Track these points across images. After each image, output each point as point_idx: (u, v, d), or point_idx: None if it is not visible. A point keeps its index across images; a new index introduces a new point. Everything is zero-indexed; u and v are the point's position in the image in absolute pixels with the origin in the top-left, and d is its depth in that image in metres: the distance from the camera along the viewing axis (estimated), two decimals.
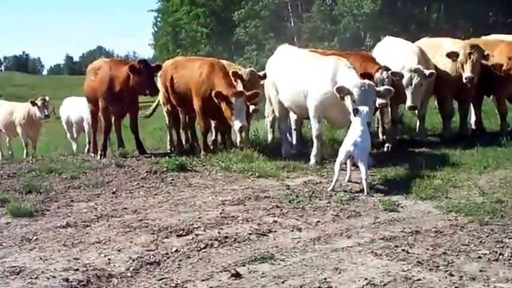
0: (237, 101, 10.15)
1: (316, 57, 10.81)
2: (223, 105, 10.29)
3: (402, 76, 10.64)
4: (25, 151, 15.77)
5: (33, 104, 15.07)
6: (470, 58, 11.13)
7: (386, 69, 10.51)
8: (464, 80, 11.16)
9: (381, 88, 9.57)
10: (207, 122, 11.30)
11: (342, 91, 9.14)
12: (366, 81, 9.34)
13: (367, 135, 8.59)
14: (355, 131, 8.46)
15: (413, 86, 10.67)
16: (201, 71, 10.98)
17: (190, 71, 11.23)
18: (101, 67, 11.82)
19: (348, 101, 9.18)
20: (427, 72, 10.73)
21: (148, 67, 10.97)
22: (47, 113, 15.16)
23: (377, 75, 10.41)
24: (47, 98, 15.46)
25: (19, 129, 15.81)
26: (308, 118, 10.48)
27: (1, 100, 17.96)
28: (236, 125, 10.20)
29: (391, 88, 9.74)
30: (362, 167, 8.25)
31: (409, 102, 10.80)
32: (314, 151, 10.19)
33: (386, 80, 10.37)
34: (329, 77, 9.67)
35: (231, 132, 11.74)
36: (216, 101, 10.32)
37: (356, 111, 8.61)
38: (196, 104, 10.99)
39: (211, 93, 10.45)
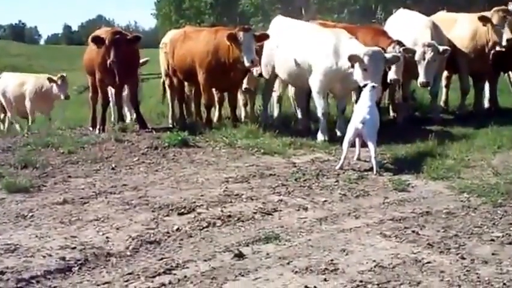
0: (245, 36, 10.17)
1: (315, 30, 10.94)
2: (232, 47, 10.33)
3: (414, 52, 10.58)
4: (26, 127, 14.94)
5: (51, 81, 14.39)
6: (506, 20, 11.00)
7: (399, 43, 10.46)
8: (504, 43, 11.02)
9: (389, 55, 9.70)
10: (210, 95, 11.29)
11: (353, 59, 9.28)
12: (375, 48, 9.54)
13: (376, 111, 8.55)
14: (363, 108, 8.42)
15: (426, 61, 10.60)
16: (206, 40, 10.96)
17: (195, 42, 11.20)
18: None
19: (357, 69, 9.32)
20: (441, 48, 10.65)
21: (117, 39, 10.81)
22: (68, 94, 14.41)
23: (389, 49, 10.35)
24: (65, 74, 14.84)
25: (28, 104, 15.10)
26: (308, 90, 10.71)
27: (6, 73, 17.09)
28: (246, 60, 10.13)
29: (398, 55, 9.94)
30: (371, 145, 8.22)
31: (421, 78, 10.74)
32: (321, 128, 10.24)
33: (399, 54, 10.31)
34: (331, 50, 9.84)
35: (236, 107, 11.70)
36: (227, 44, 10.36)
37: (364, 85, 8.62)
38: (201, 76, 10.95)
39: (217, 62, 10.57)
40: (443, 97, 13.04)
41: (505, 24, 11.04)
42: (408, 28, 11.35)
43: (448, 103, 13.13)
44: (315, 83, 10.20)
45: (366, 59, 9.21)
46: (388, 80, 10.49)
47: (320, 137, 10.18)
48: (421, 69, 10.69)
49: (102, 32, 11.81)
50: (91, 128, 11.91)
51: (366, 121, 8.24)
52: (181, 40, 11.58)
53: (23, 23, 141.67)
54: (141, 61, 12.37)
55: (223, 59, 10.58)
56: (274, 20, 12.05)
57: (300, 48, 10.48)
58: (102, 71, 11.32)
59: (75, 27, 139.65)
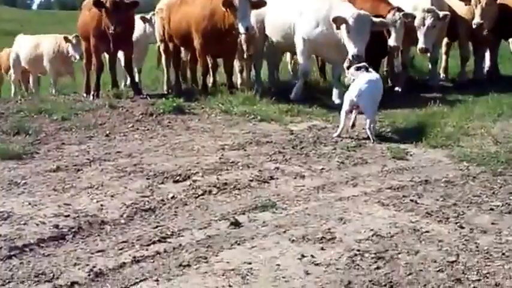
0: (240, 2, 10.00)
1: None
2: (227, 14, 10.20)
3: (414, 17, 10.51)
4: (53, 90, 14.68)
5: (67, 40, 14.12)
6: (479, 2, 10.98)
7: (399, 10, 10.39)
8: (473, 26, 11.06)
9: (376, 19, 9.81)
10: (206, 61, 11.21)
11: (337, 21, 9.52)
12: (362, 11, 9.69)
13: (376, 84, 8.41)
14: (361, 80, 8.30)
15: (425, 27, 10.54)
16: (202, 5, 10.84)
17: (191, 7, 11.07)
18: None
19: (343, 31, 9.54)
20: (441, 13, 10.58)
21: (118, 3, 10.64)
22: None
23: (389, 16, 10.31)
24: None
25: (47, 65, 14.79)
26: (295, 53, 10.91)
27: (21, 35, 16.67)
28: (241, 27, 10.01)
29: (386, 21, 10.06)
30: (367, 118, 8.16)
31: (421, 44, 10.69)
32: (296, 87, 10.63)
33: (398, 21, 10.26)
34: (324, 15, 9.97)
35: (232, 73, 11.62)
36: (223, 10, 10.20)
37: (359, 68, 8.52)
38: (197, 41, 10.87)
39: (213, 27, 10.46)
40: (443, 64, 12.97)
41: (478, 5, 10.99)
42: None
43: (448, 70, 13.05)
44: (301, 43, 10.33)
45: (350, 21, 9.41)
46: (388, 47, 10.44)
47: (292, 96, 10.43)
48: (420, 35, 10.63)
49: None
50: (85, 95, 11.82)
51: (362, 94, 8.14)
52: (178, 5, 11.44)
53: None
54: None
55: (219, 24, 10.45)
56: None
57: (291, 10, 10.49)
58: (97, 37, 11.19)
59: None
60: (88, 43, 11.76)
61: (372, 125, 8.18)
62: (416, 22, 10.54)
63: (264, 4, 10.37)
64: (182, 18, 11.15)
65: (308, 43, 10.30)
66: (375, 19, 9.79)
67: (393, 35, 10.33)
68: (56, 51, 14.46)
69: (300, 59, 10.71)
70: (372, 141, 8.10)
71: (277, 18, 10.78)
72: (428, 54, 11.57)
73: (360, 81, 8.29)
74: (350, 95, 8.23)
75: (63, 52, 14.34)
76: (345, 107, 8.26)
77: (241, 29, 10.03)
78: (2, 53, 18.06)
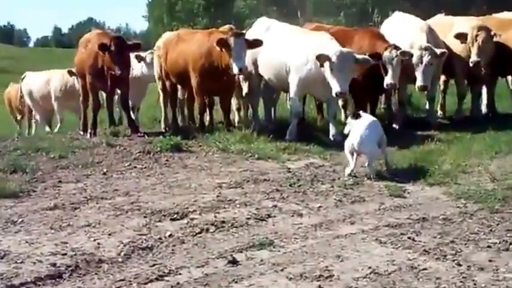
0: (235, 42, 10.11)
1: (299, 32, 11.30)
2: (223, 53, 10.27)
3: (411, 55, 10.66)
4: (57, 127, 14.69)
5: (71, 74, 13.79)
6: (476, 40, 11.15)
7: (396, 47, 10.54)
8: (470, 64, 11.21)
9: (359, 56, 10.04)
10: (203, 99, 11.31)
11: (321, 58, 9.76)
12: (345, 49, 9.98)
13: (374, 128, 8.47)
14: (360, 127, 8.36)
15: (423, 64, 10.69)
16: (199, 43, 10.97)
17: (188, 45, 11.21)
18: (90, 39, 11.73)
19: (326, 68, 9.78)
20: (438, 51, 10.75)
21: (121, 45, 10.80)
22: None
23: (385, 53, 10.46)
24: None
25: (55, 103, 14.69)
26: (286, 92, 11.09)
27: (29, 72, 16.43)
28: (235, 67, 10.09)
29: (368, 58, 10.20)
30: (369, 160, 8.26)
31: (419, 82, 10.82)
32: (290, 128, 10.64)
33: (395, 59, 10.41)
34: (313, 52, 10.08)
35: (229, 111, 11.73)
36: (219, 49, 10.28)
37: (356, 116, 8.62)
38: (194, 79, 10.96)
39: (210, 65, 10.56)
40: (440, 102, 13.11)
41: (474, 43, 11.17)
42: (404, 31, 11.44)
43: (445, 108, 13.18)
44: (293, 83, 10.51)
45: (333, 59, 9.65)
46: (385, 85, 10.57)
47: (287, 137, 10.47)
48: (418, 73, 10.78)
49: (96, 35, 11.81)
50: (82, 132, 11.90)
51: (363, 141, 8.19)
52: (175, 43, 11.59)
53: (11, 25, 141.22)
54: None
55: (216, 63, 10.56)
56: (258, 21, 12.28)
57: (283, 49, 10.69)
58: (94, 75, 11.30)
59: (65, 30, 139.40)
60: (84, 81, 11.87)
61: (373, 165, 8.25)
62: (414, 60, 10.70)
63: (260, 44, 10.50)
64: (179, 56, 11.27)
65: (299, 82, 10.47)
66: (357, 56, 10.02)
67: (390, 72, 10.48)
68: (63, 88, 14.39)
69: (292, 99, 10.84)
70: (370, 177, 8.16)
71: (269, 57, 10.93)
72: (425, 92, 11.70)
73: (359, 128, 8.35)
74: (351, 143, 8.28)
75: (71, 88, 14.18)
76: (347, 149, 8.33)
77: (235, 70, 10.12)
78: (10, 89, 18.07)
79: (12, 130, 16.55)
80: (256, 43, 10.47)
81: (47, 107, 15.37)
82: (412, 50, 10.77)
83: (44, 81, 15.06)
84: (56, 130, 14.13)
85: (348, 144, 8.35)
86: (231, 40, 10.13)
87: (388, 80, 10.52)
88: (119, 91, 11.86)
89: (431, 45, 10.77)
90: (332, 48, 9.93)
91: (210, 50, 10.63)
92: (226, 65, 10.33)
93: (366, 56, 10.24)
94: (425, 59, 10.68)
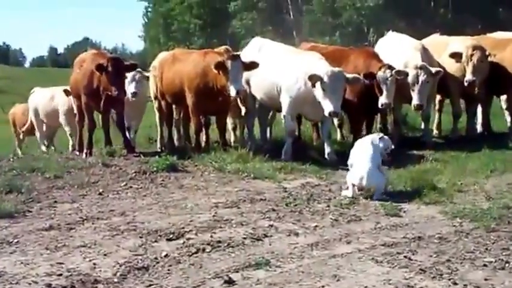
0: (232, 64, 10.16)
1: (289, 52, 11.38)
2: (220, 75, 10.31)
3: (407, 75, 10.73)
4: (70, 143, 14.47)
5: (67, 93, 13.46)
6: (471, 60, 11.23)
7: (390, 67, 10.61)
8: (465, 83, 11.29)
9: (350, 75, 10.15)
10: (199, 119, 11.35)
11: (313, 78, 9.85)
12: (336, 68, 10.05)
13: (376, 159, 8.44)
14: (362, 163, 8.37)
15: (419, 83, 10.76)
16: (194, 63, 11.03)
17: (184, 64, 11.27)
18: (85, 60, 11.77)
19: (318, 88, 9.86)
20: (433, 69, 10.82)
21: (118, 66, 10.80)
22: None
23: (380, 73, 10.53)
24: None
25: (62, 119, 14.47)
26: (280, 111, 11.10)
27: (38, 88, 16.00)
28: (232, 90, 10.15)
29: (359, 77, 10.32)
30: (377, 192, 8.27)
31: (415, 101, 10.88)
32: (285, 148, 10.70)
33: (389, 78, 10.48)
34: (303, 72, 10.20)
35: (225, 131, 11.77)
36: (216, 72, 10.32)
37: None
38: (190, 99, 11.02)
39: (206, 85, 10.61)
40: (435, 121, 13.18)
41: (469, 63, 11.26)
42: (398, 51, 11.52)
43: (441, 127, 13.25)
44: (285, 103, 10.60)
45: (325, 79, 9.74)
46: (380, 105, 10.63)
47: (283, 157, 10.53)
48: (414, 92, 10.85)
49: (90, 55, 11.85)
50: (78, 153, 11.90)
51: (369, 178, 8.22)
52: (170, 62, 11.65)
53: (7, 45, 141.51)
54: None
55: (211, 83, 10.61)
56: (252, 41, 12.41)
57: (274, 69, 10.78)
58: (88, 95, 11.33)
59: (61, 50, 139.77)
60: (79, 101, 11.89)
61: (380, 194, 8.27)
62: (410, 79, 10.77)
63: (256, 66, 10.55)
64: (175, 75, 11.31)
65: (291, 101, 10.54)
66: (348, 75, 10.12)
67: (384, 92, 10.54)
68: (70, 105, 13.79)
69: (285, 118, 10.90)
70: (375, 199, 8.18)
71: (261, 78, 10.99)
72: (421, 111, 11.76)
73: (361, 162, 8.36)
74: (358, 180, 8.28)
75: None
76: (350, 183, 8.35)
77: (232, 92, 10.18)
78: (16, 110, 17.95)
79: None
80: (252, 65, 10.52)
81: (51, 124, 15.24)
82: (407, 69, 10.84)
83: (49, 97, 14.91)
84: (69, 148, 14.05)
85: (352, 179, 8.35)
86: (228, 63, 10.17)
87: (382, 99, 10.57)
88: (113, 111, 11.85)
89: (426, 64, 10.83)
90: (323, 68, 10.01)
91: (206, 70, 10.69)
92: (222, 85, 10.37)
93: (357, 75, 10.33)
94: (421, 78, 10.75)
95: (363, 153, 8.45)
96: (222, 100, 10.72)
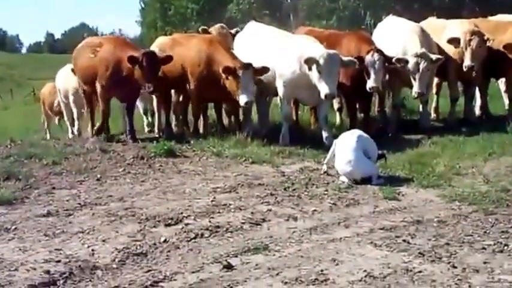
0: (244, 74, 10.07)
1: (283, 36, 11.35)
2: (229, 80, 10.20)
3: (407, 62, 10.63)
4: (69, 130, 14.08)
5: (74, 72, 12.51)
6: (469, 45, 11.16)
7: (378, 51, 10.53)
8: (464, 69, 11.23)
9: (346, 58, 10.12)
10: (199, 105, 11.27)
11: (309, 61, 9.82)
12: (331, 51, 10.01)
13: (360, 146, 8.39)
14: (347, 148, 8.35)
15: (420, 71, 10.64)
16: (199, 48, 10.91)
17: (186, 49, 11.14)
18: (102, 45, 11.31)
19: (314, 71, 9.82)
20: (433, 57, 10.73)
21: (153, 60, 10.41)
22: None
23: (367, 57, 10.47)
24: None
25: (71, 100, 13.71)
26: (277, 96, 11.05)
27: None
28: (242, 99, 10.08)
29: (354, 60, 10.25)
30: (373, 180, 8.23)
31: (416, 88, 10.76)
32: (282, 133, 10.66)
33: (377, 62, 10.40)
34: (297, 56, 10.15)
35: (222, 116, 11.72)
36: (223, 76, 10.21)
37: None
38: (192, 84, 10.93)
39: (209, 72, 10.49)
40: (433, 104, 13.13)
41: (467, 48, 11.19)
42: (396, 35, 11.44)
43: (439, 110, 13.21)
44: (280, 87, 10.56)
45: (321, 61, 9.71)
46: (367, 88, 10.53)
47: (281, 141, 10.52)
48: (415, 80, 10.74)
49: (107, 41, 11.43)
50: (92, 138, 11.50)
51: (352, 167, 8.22)
52: (169, 47, 11.51)
53: (4, 31, 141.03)
54: None
55: (216, 70, 10.45)
56: (247, 25, 12.34)
57: (269, 53, 10.70)
58: (109, 84, 10.94)
59: (58, 36, 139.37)
60: (90, 87, 11.52)
61: (377, 178, 8.24)
62: (410, 67, 10.66)
63: (267, 71, 10.39)
64: (176, 60, 11.05)
65: (286, 85, 10.49)
66: (344, 58, 10.08)
67: (372, 76, 10.44)
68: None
69: (281, 102, 10.87)
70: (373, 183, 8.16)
71: (256, 63, 10.82)
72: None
73: (345, 153, 8.34)
74: (339, 166, 8.33)
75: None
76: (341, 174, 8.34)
77: (242, 102, 10.12)
78: (44, 89, 17.19)
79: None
80: (264, 70, 10.35)
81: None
82: (407, 56, 10.73)
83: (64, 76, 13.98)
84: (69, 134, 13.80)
85: (341, 169, 8.34)
86: (240, 72, 10.05)
87: (370, 83, 10.48)
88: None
89: (425, 51, 10.74)
90: (318, 51, 9.97)
91: (210, 57, 10.61)
92: (232, 91, 10.26)
93: (352, 58, 10.27)
94: (422, 65, 10.63)
95: (345, 144, 8.42)
96: (224, 86, 10.55)
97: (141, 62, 10.26)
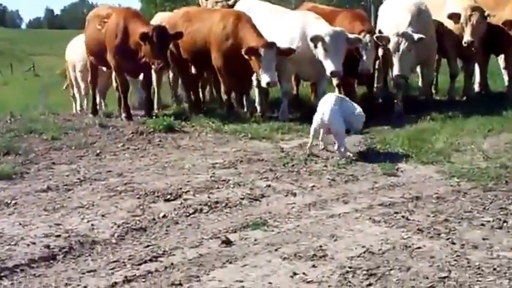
0: (267, 53, 9.83)
1: (281, 12, 11.26)
2: (252, 59, 9.97)
3: (388, 40, 10.33)
4: (77, 103, 13.75)
5: None
6: (470, 21, 11.05)
7: (369, 32, 10.39)
8: (464, 44, 11.13)
9: (352, 36, 10.02)
10: (230, 80, 10.97)
11: (315, 39, 9.75)
12: (337, 28, 9.97)
13: (342, 104, 8.39)
14: (329, 101, 8.34)
15: (400, 52, 10.26)
16: (225, 24, 10.57)
17: (209, 24, 10.80)
18: (110, 16, 10.93)
19: (319, 49, 9.76)
20: (416, 36, 10.22)
21: (164, 36, 10.09)
22: None
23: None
24: None
25: (78, 75, 13.38)
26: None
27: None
28: (263, 79, 9.90)
29: (360, 37, 10.15)
30: (337, 139, 8.21)
31: (396, 71, 10.40)
32: (281, 108, 10.61)
33: (369, 43, 10.25)
34: (298, 33, 10.12)
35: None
36: (246, 57, 9.95)
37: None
38: (218, 61, 10.64)
39: (236, 48, 10.21)
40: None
41: (468, 24, 11.06)
42: (393, 13, 11.23)
43: (438, 87, 13.13)
44: (281, 64, 10.29)
45: (327, 39, 9.64)
46: (359, 70, 10.38)
47: (280, 117, 10.47)
48: (395, 61, 10.36)
49: (116, 12, 10.97)
50: (91, 115, 11.52)
51: (328, 119, 8.18)
52: (183, 22, 11.12)
53: (4, 7, 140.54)
54: None
55: (241, 44, 10.16)
56: (240, 1, 12.07)
57: (267, 30, 10.49)
58: (122, 56, 10.62)
59: (57, 11, 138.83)
60: (97, 60, 11.36)
61: (341, 148, 8.18)
62: (391, 47, 10.31)
63: (292, 52, 10.10)
64: (196, 36, 10.83)
65: (286, 62, 10.30)
66: (350, 35, 9.98)
67: (364, 57, 10.29)
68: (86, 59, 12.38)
69: (281, 79, 10.67)
70: (348, 157, 8.14)
71: None
72: (419, 72, 11.59)
73: (325, 104, 8.33)
74: (316, 120, 8.30)
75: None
76: (313, 125, 8.35)
77: (264, 82, 9.92)
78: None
79: None
80: (289, 51, 10.09)
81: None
82: (390, 36, 10.33)
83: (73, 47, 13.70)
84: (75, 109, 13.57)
85: (315, 119, 8.35)
86: (262, 51, 9.80)
87: (361, 64, 10.33)
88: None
89: (408, 31, 10.26)
90: (324, 29, 9.87)
91: (235, 33, 10.35)
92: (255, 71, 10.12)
93: (358, 36, 10.15)
94: (402, 46, 10.21)
95: (328, 98, 8.44)
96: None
97: (151, 37, 9.94)
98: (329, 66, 9.77)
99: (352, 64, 10.31)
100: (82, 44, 12.19)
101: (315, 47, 9.83)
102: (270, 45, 9.88)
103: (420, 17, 10.89)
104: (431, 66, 11.78)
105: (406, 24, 10.45)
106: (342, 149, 8.16)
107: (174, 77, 12.38)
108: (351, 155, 8.20)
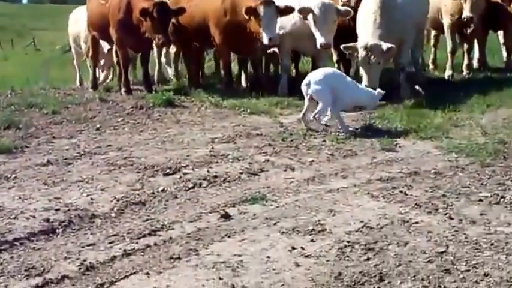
0: (266, 10, 9.67)
1: None
2: (252, 21, 9.83)
3: (357, 49, 9.43)
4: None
5: None
6: None
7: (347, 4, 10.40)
8: (463, 19, 11.05)
9: (341, 8, 10.02)
10: (228, 55, 10.99)
11: (304, 11, 9.77)
12: (326, 0, 9.88)
13: (330, 75, 8.32)
14: (317, 71, 8.46)
15: (371, 65, 9.30)
16: None
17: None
18: None
19: (310, 21, 9.76)
20: (385, 47, 9.26)
21: (165, 12, 9.99)
22: None
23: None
24: None
25: (83, 48, 12.96)
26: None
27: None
28: (265, 37, 9.72)
29: (350, 9, 10.05)
30: (319, 104, 8.19)
31: (365, 82, 9.31)
32: (280, 84, 10.57)
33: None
34: (295, 5, 9.98)
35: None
36: (246, 17, 9.82)
37: None
38: (217, 36, 10.55)
39: (235, 23, 10.14)
40: (431, 56, 12.95)
41: (467, 0, 10.94)
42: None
43: (436, 62, 13.05)
44: (280, 39, 10.23)
45: (315, 11, 9.64)
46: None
47: (279, 92, 10.40)
48: (364, 74, 9.42)
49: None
50: (91, 90, 11.46)
51: (310, 83, 8.20)
52: None
53: None
54: None
55: (242, 20, 10.02)
56: None
57: None
58: (123, 31, 10.55)
59: None
60: (100, 34, 11.26)
61: (319, 115, 8.18)
62: (360, 60, 9.43)
63: (292, 10, 9.97)
64: (196, 11, 10.72)
65: (284, 36, 10.27)
66: (340, 7, 9.97)
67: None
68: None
69: (280, 54, 10.71)
70: (322, 128, 8.20)
71: None
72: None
73: (314, 72, 8.48)
74: (304, 84, 8.36)
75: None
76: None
77: (265, 39, 9.73)
78: None
79: None
80: (288, 10, 9.94)
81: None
82: (359, 49, 9.35)
83: (74, 20, 13.45)
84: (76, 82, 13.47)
85: (302, 85, 8.38)
86: (261, 9, 9.67)
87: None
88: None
89: (376, 43, 9.28)
90: (313, 1, 9.82)
91: (234, 6, 10.23)
92: (255, 31, 9.93)
93: (348, 8, 10.07)
94: (372, 60, 9.26)
95: (316, 71, 8.52)
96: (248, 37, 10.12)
97: (152, 13, 9.85)
98: (319, 38, 9.76)
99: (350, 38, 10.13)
100: (85, 16, 12.02)
101: (305, 19, 9.83)
102: (268, 3, 9.77)
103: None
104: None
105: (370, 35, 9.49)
106: (321, 117, 8.22)
107: (176, 51, 12.28)
108: (351, 129, 8.19)
